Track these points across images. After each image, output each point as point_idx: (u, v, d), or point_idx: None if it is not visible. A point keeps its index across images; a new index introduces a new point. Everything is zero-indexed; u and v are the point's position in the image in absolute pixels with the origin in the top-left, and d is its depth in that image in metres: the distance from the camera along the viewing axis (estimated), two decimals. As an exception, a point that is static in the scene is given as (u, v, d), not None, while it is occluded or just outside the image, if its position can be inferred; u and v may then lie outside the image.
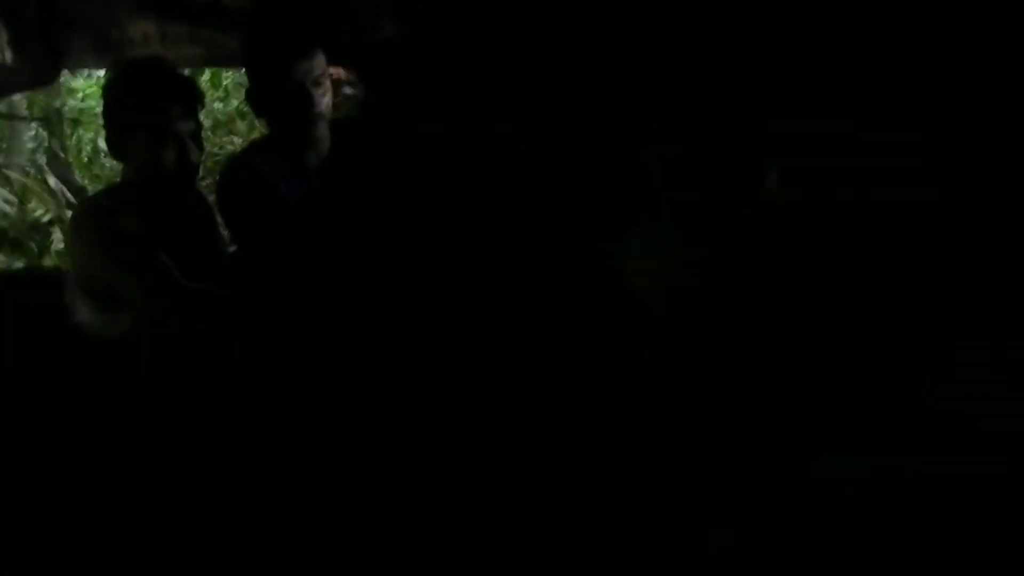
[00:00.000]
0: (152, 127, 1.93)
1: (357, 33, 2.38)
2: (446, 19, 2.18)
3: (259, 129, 5.41)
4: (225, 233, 2.19)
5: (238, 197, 2.10)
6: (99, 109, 6.09)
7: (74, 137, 5.47)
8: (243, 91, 5.86)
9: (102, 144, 5.56)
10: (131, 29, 2.40)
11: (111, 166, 5.49)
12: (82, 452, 1.52)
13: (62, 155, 4.79)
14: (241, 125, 5.69)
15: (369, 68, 2.46)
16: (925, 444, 0.83)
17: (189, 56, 2.46)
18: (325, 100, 2.03)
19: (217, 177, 5.11)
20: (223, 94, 5.71)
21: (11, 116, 5.15)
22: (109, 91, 2.04)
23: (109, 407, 1.57)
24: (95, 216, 1.96)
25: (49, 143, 5.00)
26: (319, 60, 2.02)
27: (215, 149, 4.92)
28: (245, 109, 5.76)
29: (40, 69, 2.41)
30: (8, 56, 2.32)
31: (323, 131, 2.07)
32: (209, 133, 5.38)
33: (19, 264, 3.99)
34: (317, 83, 2.00)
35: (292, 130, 2.05)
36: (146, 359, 1.71)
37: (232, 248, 2.18)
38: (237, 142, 5.07)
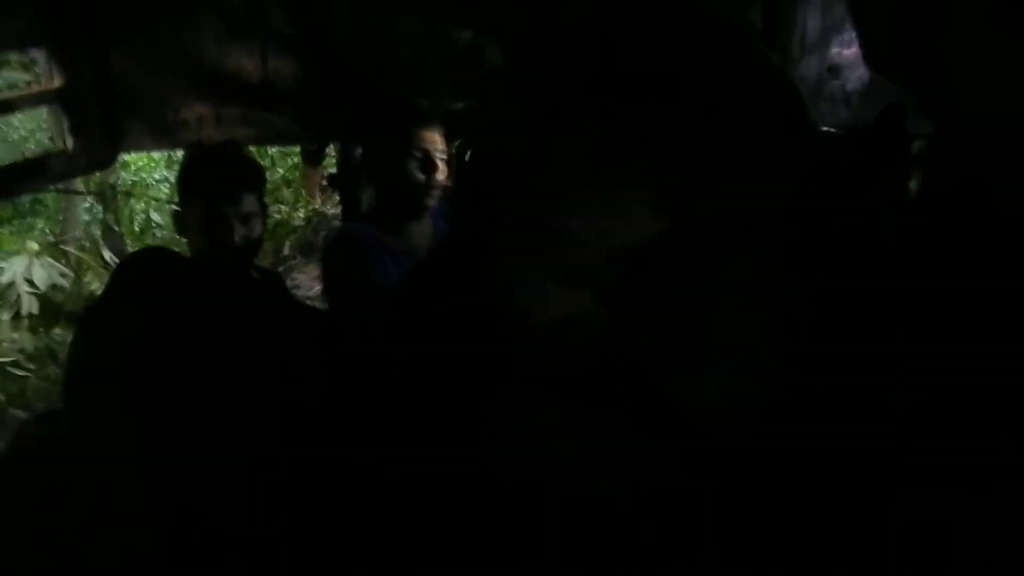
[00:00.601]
0: (208, 208, 1.99)
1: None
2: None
3: (304, 198, 5.54)
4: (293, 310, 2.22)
5: (340, 269, 2.15)
6: (150, 182, 6.27)
7: (127, 209, 5.64)
8: (288, 160, 6.00)
9: (154, 216, 5.73)
10: (186, 112, 2.47)
11: (162, 237, 5.63)
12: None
13: (116, 228, 4.92)
14: (286, 193, 5.83)
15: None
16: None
17: (242, 136, 2.52)
18: (442, 173, 2.12)
19: (270, 244, 5.21)
20: (269, 163, 5.87)
21: (67, 190, 5.32)
22: (179, 172, 2.14)
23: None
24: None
25: (104, 217, 5.15)
26: (440, 134, 2.15)
27: (262, 218, 5.06)
28: (291, 177, 5.91)
29: (99, 153, 2.48)
30: (69, 142, 2.41)
31: (432, 205, 2.14)
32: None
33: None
34: (439, 155, 2.12)
35: (409, 199, 2.12)
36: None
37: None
38: (284, 210, 5.19)
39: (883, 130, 1.56)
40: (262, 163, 2.44)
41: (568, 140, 1.42)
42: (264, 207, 2.10)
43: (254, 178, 2.05)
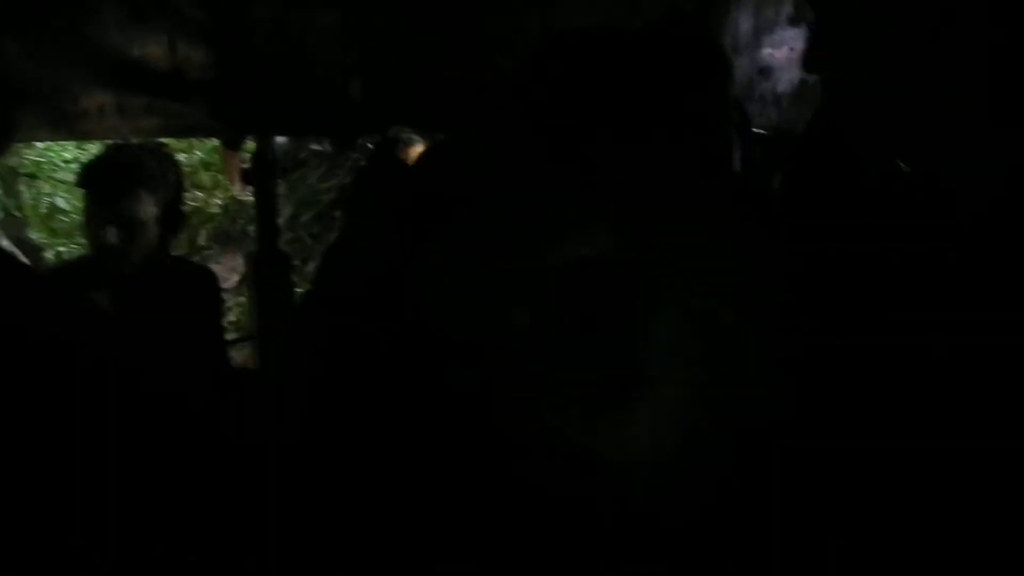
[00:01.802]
0: (88, 206, 1.98)
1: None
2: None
3: (223, 183, 5.32)
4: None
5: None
6: (58, 162, 5.91)
7: (32, 192, 5.33)
8: (208, 142, 5.75)
9: (60, 201, 5.43)
10: (86, 101, 2.31)
11: (69, 221, 5.34)
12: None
13: (17, 214, 4.64)
14: (204, 177, 5.60)
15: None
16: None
17: (147, 127, 2.37)
18: None
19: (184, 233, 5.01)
20: (186, 145, 5.61)
21: (-36, 174, 5.00)
22: None
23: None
24: None
25: (3, 203, 4.86)
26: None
27: (177, 205, 4.81)
28: (210, 160, 5.67)
29: (-11, 143, 2.30)
30: (-45, 131, 2.22)
31: None
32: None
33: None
34: None
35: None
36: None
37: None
38: (200, 197, 4.96)
39: (817, 136, 1.53)
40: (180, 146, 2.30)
41: (529, 153, 1.34)
42: (170, 213, 2.01)
43: (146, 181, 1.95)
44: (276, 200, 2.59)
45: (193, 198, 4.91)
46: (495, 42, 2.39)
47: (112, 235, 1.92)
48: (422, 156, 2.00)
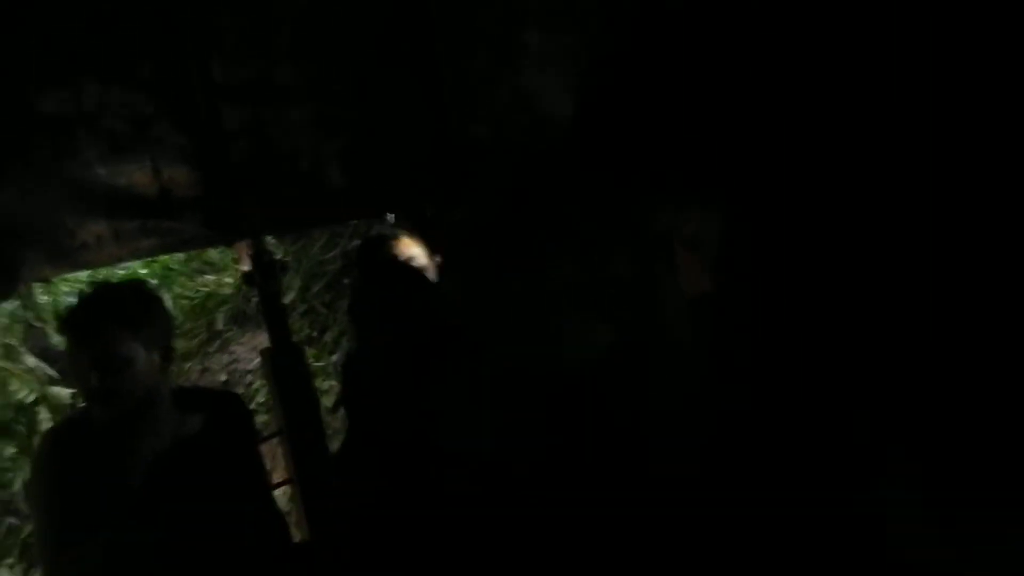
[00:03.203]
0: (77, 354, 1.90)
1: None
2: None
3: (233, 268, 5.39)
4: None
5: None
6: (70, 264, 5.92)
7: (51, 298, 5.41)
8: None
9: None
10: (82, 234, 2.35)
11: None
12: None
13: (38, 325, 4.73)
14: (213, 254, 5.67)
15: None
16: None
17: (145, 248, 2.42)
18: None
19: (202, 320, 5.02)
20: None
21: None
22: None
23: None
24: (42, 458, 1.97)
25: (23, 316, 4.95)
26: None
27: (189, 292, 4.85)
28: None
29: (-5, 289, 2.36)
30: (-40, 281, 2.28)
31: None
32: (178, 269, 5.32)
33: (10, 448, 3.92)
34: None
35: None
36: None
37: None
38: (211, 280, 5.01)
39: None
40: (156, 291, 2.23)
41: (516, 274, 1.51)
42: (158, 347, 1.98)
43: (122, 319, 1.91)
44: (280, 296, 2.63)
45: (204, 282, 4.98)
46: (468, 113, 2.43)
47: (96, 378, 1.85)
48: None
